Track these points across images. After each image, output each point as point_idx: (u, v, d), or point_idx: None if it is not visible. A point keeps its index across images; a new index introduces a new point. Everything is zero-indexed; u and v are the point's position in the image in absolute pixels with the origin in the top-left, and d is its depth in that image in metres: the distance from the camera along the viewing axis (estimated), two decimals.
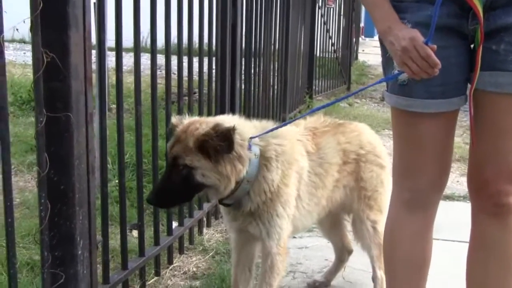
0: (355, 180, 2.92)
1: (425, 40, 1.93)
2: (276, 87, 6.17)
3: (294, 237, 3.91)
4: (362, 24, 34.39)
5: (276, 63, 6.14)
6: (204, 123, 2.44)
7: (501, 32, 1.98)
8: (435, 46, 1.92)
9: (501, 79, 2.01)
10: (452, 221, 3.91)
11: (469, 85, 2.09)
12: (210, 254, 3.56)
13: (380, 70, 15.26)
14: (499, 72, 2.01)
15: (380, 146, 3.03)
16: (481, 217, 2.21)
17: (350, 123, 3.10)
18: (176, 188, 2.39)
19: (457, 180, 5.25)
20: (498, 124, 2.07)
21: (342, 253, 3.32)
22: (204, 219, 3.91)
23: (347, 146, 2.88)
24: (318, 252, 3.69)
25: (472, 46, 2.08)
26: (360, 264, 3.39)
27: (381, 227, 2.82)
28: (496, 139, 2.08)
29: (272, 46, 5.82)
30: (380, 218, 2.92)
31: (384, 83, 2.23)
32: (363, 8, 22.90)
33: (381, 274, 2.96)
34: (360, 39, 30.08)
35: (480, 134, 2.11)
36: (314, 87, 8.99)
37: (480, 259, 2.26)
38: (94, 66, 2.45)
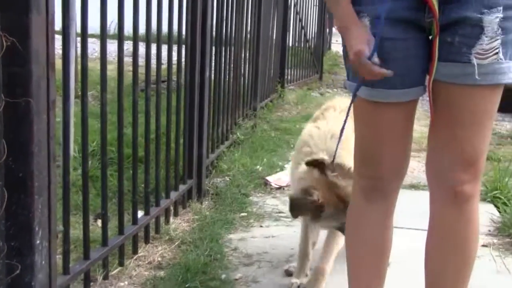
0: None
1: (369, 55, 2.00)
2: (247, 76, 6.14)
3: (261, 226, 3.90)
4: None
5: (248, 51, 6.11)
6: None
7: (456, 25, 2.02)
8: (377, 61, 2.01)
9: (455, 70, 2.06)
10: (417, 210, 3.88)
11: (427, 76, 2.14)
12: (176, 244, 3.52)
13: None
14: (454, 63, 2.06)
15: None
16: (439, 205, 2.25)
17: None
18: None
19: (423, 170, 5.25)
20: (454, 114, 2.11)
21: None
22: (172, 208, 3.87)
23: None
24: (285, 241, 3.67)
25: (430, 38, 2.11)
26: None
27: None
28: (452, 128, 2.12)
29: (244, 35, 5.78)
30: None
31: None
32: None
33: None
34: (333, 29, 30.18)
35: (438, 123, 2.16)
36: (286, 76, 8.99)
37: (437, 247, 2.30)
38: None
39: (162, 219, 3.73)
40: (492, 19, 1.99)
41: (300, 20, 9.83)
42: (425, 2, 2.02)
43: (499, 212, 4.29)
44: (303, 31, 10.04)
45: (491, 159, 5.88)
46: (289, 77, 9.30)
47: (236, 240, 3.67)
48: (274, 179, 4.75)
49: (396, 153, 2.26)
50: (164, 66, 3.69)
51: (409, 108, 2.21)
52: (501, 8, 1.99)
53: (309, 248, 3.15)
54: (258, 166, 4.99)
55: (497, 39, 2.01)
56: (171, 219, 3.84)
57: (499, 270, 3.47)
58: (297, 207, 2.78)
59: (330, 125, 3.03)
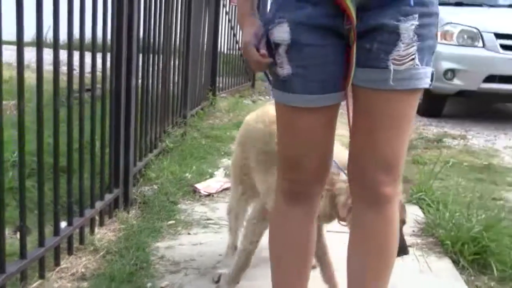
0: None
1: (256, 44, 2.15)
2: (176, 83, 6.12)
3: (189, 234, 3.88)
4: None
5: (177, 59, 6.09)
6: None
7: (374, 32, 2.07)
8: (264, 52, 2.15)
9: (373, 76, 2.11)
10: None
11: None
12: (101, 254, 3.47)
13: None
14: (372, 69, 2.11)
15: None
16: (360, 207, 2.29)
17: None
18: None
19: None
20: (373, 118, 2.15)
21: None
22: (97, 218, 3.82)
23: None
24: (212, 247, 3.66)
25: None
26: None
27: None
28: (372, 132, 2.16)
29: (173, 42, 5.77)
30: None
31: None
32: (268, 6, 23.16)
33: None
34: None
35: (358, 127, 2.20)
36: (217, 84, 8.99)
37: (358, 248, 2.33)
38: None
39: (87, 229, 3.67)
40: (408, 26, 2.05)
41: (232, 27, 9.84)
42: (343, 10, 2.05)
43: (424, 213, 4.36)
44: (235, 38, 10.06)
45: (417, 162, 6.00)
46: (220, 85, 9.30)
47: (163, 248, 3.64)
48: (203, 186, 4.73)
49: (317, 158, 2.29)
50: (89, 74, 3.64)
51: (330, 114, 2.24)
52: (417, 15, 2.06)
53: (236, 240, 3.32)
54: (187, 174, 4.97)
55: (413, 46, 2.07)
56: (96, 229, 3.78)
57: (422, 269, 3.53)
58: None
59: None
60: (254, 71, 2.17)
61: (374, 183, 2.19)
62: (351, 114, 2.21)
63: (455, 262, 3.63)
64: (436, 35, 2.16)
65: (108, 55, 3.88)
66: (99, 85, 3.76)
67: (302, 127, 2.22)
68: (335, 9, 2.07)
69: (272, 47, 2.16)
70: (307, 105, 2.16)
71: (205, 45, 7.85)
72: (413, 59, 2.08)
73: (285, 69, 2.15)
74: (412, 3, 2.06)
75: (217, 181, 4.87)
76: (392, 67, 2.07)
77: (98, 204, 3.77)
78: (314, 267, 3.25)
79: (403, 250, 3.01)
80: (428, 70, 2.14)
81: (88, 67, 3.51)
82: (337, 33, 2.11)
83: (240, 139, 3.23)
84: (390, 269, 2.34)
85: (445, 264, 3.62)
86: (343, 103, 2.23)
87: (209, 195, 4.63)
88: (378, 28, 2.06)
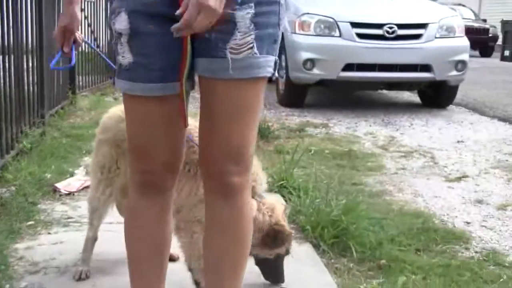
0: None
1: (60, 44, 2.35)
2: (31, 83, 5.97)
3: (49, 233, 3.81)
4: None
5: (32, 59, 5.94)
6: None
7: None
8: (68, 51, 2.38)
9: (213, 65, 2.12)
10: None
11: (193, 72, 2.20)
12: None
13: None
14: (212, 59, 2.11)
15: None
16: (211, 198, 2.28)
17: None
18: None
19: None
20: (217, 107, 2.16)
21: None
22: None
23: None
24: (73, 246, 3.59)
25: None
26: None
27: None
28: (217, 121, 2.17)
29: (25, 42, 5.62)
30: None
31: None
32: None
33: None
34: None
35: (204, 116, 2.21)
36: (78, 82, 8.84)
37: (214, 241, 2.33)
38: None
39: None
40: (244, 15, 2.07)
41: (89, 24, 9.70)
42: None
43: (285, 201, 4.44)
44: (92, 35, 9.90)
45: (280, 152, 6.12)
46: (81, 83, 9.16)
47: (22, 249, 3.56)
48: (64, 185, 4.65)
49: (166, 148, 2.28)
50: None
51: (174, 103, 2.21)
52: (253, 4, 2.07)
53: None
54: (47, 174, 4.87)
55: (251, 34, 2.08)
56: None
57: None
58: None
59: None
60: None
61: (222, 174, 2.20)
62: (185, 105, 2.19)
63: (316, 247, 3.74)
64: (279, 24, 2.19)
65: None
66: None
67: (146, 116, 2.22)
68: None
69: (115, 38, 2.17)
70: (149, 94, 2.16)
71: None
72: (251, 47, 2.09)
73: (126, 58, 2.15)
74: None
75: (77, 180, 4.80)
76: (229, 56, 2.08)
77: None
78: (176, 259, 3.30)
79: (278, 278, 3.12)
80: (270, 59, 2.15)
81: None
82: (174, 21, 2.05)
83: (106, 135, 3.13)
84: (246, 259, 2.37)
85: (306, 249, 3.71)
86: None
87: (69, 193, 4.56)
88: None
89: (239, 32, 2.08)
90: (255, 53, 2.10)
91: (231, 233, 2.29)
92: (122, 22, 2.13)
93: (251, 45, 2.09)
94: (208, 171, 2.25)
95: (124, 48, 2.14)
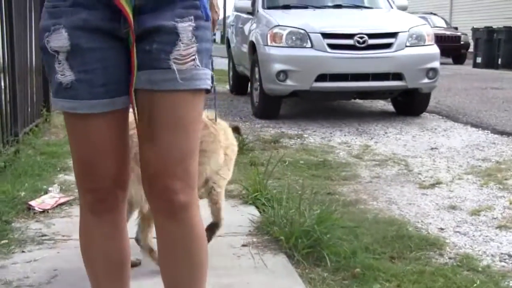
0: None
1: None
2: (5, 102, 5.95)
3: (23, 252, 3.79)
4: None
5: (4, 77, 5.93)
6: None
7: (152, 34, 2.10)
8: None
9: (156, 77, 2.12)
10: None
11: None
12: None
13: None
14: (153, 70, 2.12)
15: None
16: (159, 218, 2.26)
17: None
18: None
19: None
20: (157, 121, 2.14)
21: None
22: None
23: None
24: (47, 263, 3.59)
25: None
26: None
27: None
28: (156, 135, 2.15)
29: None
30: None
31: None
32: None
33: None
34: None
35: (144, 133, 2.19)
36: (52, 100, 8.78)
37: (169, 262, 2.31)
38: None
39: None
40: (186, 26, 2.10)
41: None
42: (122, 11, 2.07)
43: (260, 212, 4.47)
44: None
45: (255, 164, 6.13)
46: None
47: None
48: (38, 203, 4.63)
49: (114, 164, 2.24)
50: None
51: (120, 117, 2.21)
52: (192, 17, 2.12)
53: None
54: (20, 192, 4.84)
55: (193, 47, 2.11)
56: None
57: (257, 266, 3.61)
58: None
59: None
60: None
61: (166, 191, 2.16)
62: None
63: (290, 257, 3.74)
64: (212, 39, 2.23)
65: None
66: None
67: (92, 133, 2.19)
68: (111, 13, 2.09)
69: (50, 56, 2.12)
70: (93, 111, 2.14)
71: (34, 62, 7.65)
72: (193, 59, 2.11)
73: (67, 76, 2.10)
74: (186, 5, 2.12)
75: (52, 197, 4.78)
76: (174, 66, 2.09)
77: None
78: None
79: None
80: (208, 72, 2.18)
81: None
82: (116, 37, 2.12)
83: None
84: (204, 273, 2.33)
85: (280, 260, 3.71)
86: None
87: (44, 211, 4.53)
88: (156, 29, 2.09)
89: (182, 43, 2.10)
90: (197, 65, 2.13)
91: (185, 253, 2.27)
92: (61, 40, 2.09)
93: (194, 56, 2.12)
94: (152, 189, 2.20)
95: (62, 65, 2.10)
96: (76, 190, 4.77)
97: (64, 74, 2.10)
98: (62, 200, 4.71)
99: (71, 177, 5.35)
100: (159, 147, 2.14)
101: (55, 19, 2.10)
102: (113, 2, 2.06)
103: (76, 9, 2.09)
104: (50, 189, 4.98)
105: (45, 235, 4.06)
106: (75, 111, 2.13)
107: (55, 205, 4.64)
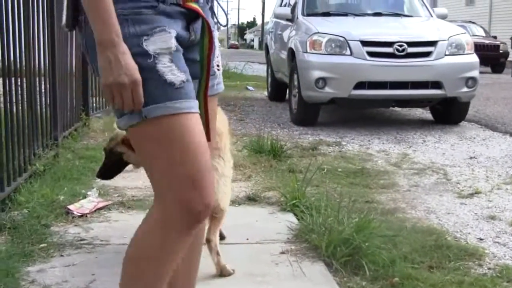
0: None
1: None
2: (44, 105, 6.01)
3: (62, 256, 3.81)
4: None
5: (44, 81, 5.98)
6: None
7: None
8: None
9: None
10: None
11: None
12: None
13: None
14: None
15: None
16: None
17: None
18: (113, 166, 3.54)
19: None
20: (211, 122, 2.36)
21: None
22: None
23: None
24: (85, 268, 3.61)
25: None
26: None
27: None
28: (209, 133, 2.32)
29: (37, 65, 5.66)
30: None
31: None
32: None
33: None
34: None
35: None
36: (91, 104, 8.87)
37: None
38: None
39: None
40: (215, 34, 2.31)
41: None
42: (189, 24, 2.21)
43: (298, 220, 4.44)
44: None
45: (293, 171, 6.11)
46: (94, 105, 9.18)
47: (35, 272, 3.55)
48: (76, 208, 4.66)
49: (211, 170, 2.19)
50: None
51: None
52: (215, 25, 2.40)
53: None
54: (59, 196, 4.87)
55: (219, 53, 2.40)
56: None
57: (295, 274, 3.59)
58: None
59: None
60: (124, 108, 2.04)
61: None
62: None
63: (329, 265, 3.72)
64: None
65: None
66: None
67: (199, 135, 2.13)
68: (185, 24, 2.19)
69: (151, 61, 2.07)
70: (196, 110, 2.14)
71: (74, 66, 7.73)
72: (218, 65, 2.35)
73: (178, 76, 2.09)
74: (210, 13, 2.31)
75: (90, 201, 4.81)
76: (218, 72, 2.30)
77: None
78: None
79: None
80: None
81: None
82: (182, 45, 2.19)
83: None
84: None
85: (319, 268, 3.69)
86: None
87: (82, 215, 4.56)
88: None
89: (217, 50, 2.31)
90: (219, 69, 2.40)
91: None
92: (168, 41, 2.09)
93: (218, 62, 2.39)
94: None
95: (170, 67, 2.08)
96: (115, 195, 4.91)
97: (175, 74, 2.08)
98: (101, 205, 4.74)
99: (109, 182, 5.37)
100: (210, 146, 2.22)
101: (148, 24, 2.08)
102: (187, 7, 2.16)
103: (159, 17, 2.11)
104: (88, 193, 5.01)
105: (84, 240, 4.08)
106: (191, 110, 2.11)
107: (93, 209, 4.66)
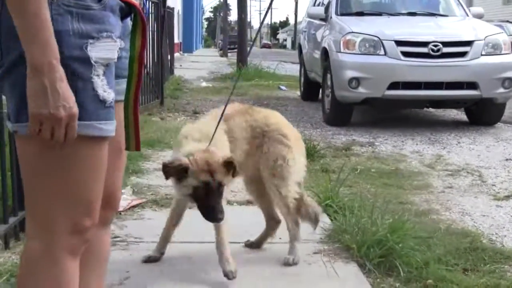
0: (261, 151, 3.62)
1: None
2: None
3: None
4: (180, 40, 34.94)
5: None
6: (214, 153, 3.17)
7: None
8: None
9: (122, 87, 2.07)
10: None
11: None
12: (5, 278, 3.40)
13: (195, 83, 15.53)
14: (122, 80, 2.06)
15: (287, 129, 3.73)
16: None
17: (258, 108, 3.97)
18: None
19: None
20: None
21: (270, 221, 3.93)
22: (0, 242, 3.74)
23: (253, 123, 3.62)
24: (120, 265, 3.60)
25: None
26: None
27: (284, 191, 3.60)
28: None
29: None
30: (282, 184, 3.60)
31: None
32: (176, 25, 23.20)
33: (292, 225, 3.68)
34: (179, 54, 30.19)
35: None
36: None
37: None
38: None
39: None
40: None
41: None
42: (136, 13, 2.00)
43: (331, 220, 4.43)
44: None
45: (326, 171, 6.10)
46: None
47: None
48: None
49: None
50: None
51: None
52: None
53: (171, 231, 3.67)
54: None
55: None
56: None
57: (329, 275, 3.59)
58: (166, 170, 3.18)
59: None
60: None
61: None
62: None
63: (362, 266, 3.71)
64: None
65: None
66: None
67: (103, 160, 1.89)
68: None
69: (87, 68, 1.77)
70: (112, 134, 1.88)
71: None
72: None
73: (110, 93, 1.82)
74: None
75: (124, 199, 4.83)
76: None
77: (2, 228, 3.70)
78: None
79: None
80: None
81: None
82: None
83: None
84: None
85: (352, 268, 3.68)
86: None
87: (116, 213, 4.59)
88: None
89: None
90: None
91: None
92: (112, 50, 1.83)
93: None
94: None
95: (103, 81, 1.80)
96: (149, 193, 4.92)
97: (106, 90, 1.80)
98: (135, 203, 4.77)
99: (143, 180, 5.43)
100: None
101: (95, 23, 1.78)
102: (125, 0, 1.91)
103: (107, 13, 1.83)
104: (123, 191, 5.05)
105: (118, 237, 4.11)
106: (111, 134, 1.86)
107: (127, 207, 4.70)
